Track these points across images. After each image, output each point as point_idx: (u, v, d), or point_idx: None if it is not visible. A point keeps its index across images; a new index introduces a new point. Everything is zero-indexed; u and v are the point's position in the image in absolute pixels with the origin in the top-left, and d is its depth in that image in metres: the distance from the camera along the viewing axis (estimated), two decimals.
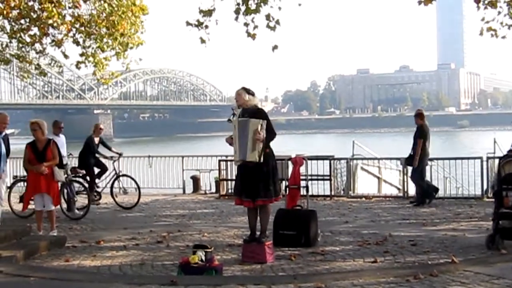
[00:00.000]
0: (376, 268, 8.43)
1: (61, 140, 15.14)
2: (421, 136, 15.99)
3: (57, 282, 7.68)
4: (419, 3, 12.89)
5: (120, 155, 17.73)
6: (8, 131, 12.90)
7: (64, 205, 14.64)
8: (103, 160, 17.59)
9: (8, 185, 17.01)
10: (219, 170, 19.33)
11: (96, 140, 17.44)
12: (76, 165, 16.66)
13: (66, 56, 16.58)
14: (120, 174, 17.47)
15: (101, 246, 10.75)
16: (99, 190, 17.33)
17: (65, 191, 14.40)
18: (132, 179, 17.73)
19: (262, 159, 9.11)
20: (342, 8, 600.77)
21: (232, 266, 8.83)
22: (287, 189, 11.24)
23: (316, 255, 9.51)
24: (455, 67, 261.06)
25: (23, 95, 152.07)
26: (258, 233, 9.40)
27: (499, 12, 14.18)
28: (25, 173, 15.44)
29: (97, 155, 17.30)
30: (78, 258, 9.65)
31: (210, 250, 8.41)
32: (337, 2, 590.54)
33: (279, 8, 13.10)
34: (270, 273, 8.46)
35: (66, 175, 14.24)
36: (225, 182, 19.18)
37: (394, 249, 9.88)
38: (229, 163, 18.75)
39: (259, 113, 9.36)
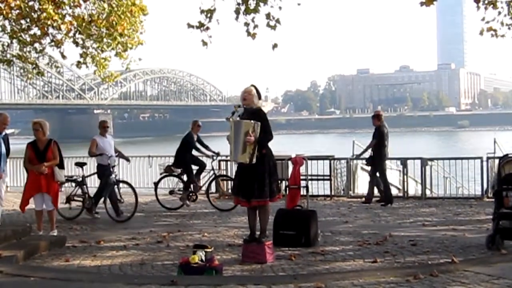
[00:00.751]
0: (376, 268, 8.43)
1: (108, 140, 14.98)
2: (377, 137, 16.41)
3: (57, 282, 7.68)
4: (421, 4, 12.88)
5: (217, 154, 16.81)
6: (8, 131, 12.89)
7: (108, 205, 14.43)
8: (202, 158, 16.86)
9: (8, 184, 17.06)
10: (219, 170, 19.32)
11: (195, 136, 16.62)
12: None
13: (64, 57, 16.59)
14: (219, 174, 17.07)
15: (101, 246, 10.75)
16: (194, 190, 16.49)
17: (107, 193, 14.33)
18: (231, 179, 17.01)
19: (254, 160, 9.06)
20: (342, 8, 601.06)
21: (232, 266, 8.82)
22: (287, 189, 11.24)
23: (316, 255, 9.51)
24: (455, 67, 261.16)
25: (23, 95, 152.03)
26: (258, 233, 9.39)
27: (499, 12, 14.18)
28: (73, 173, 15.66)
29: (196, 152, 16.59)
30: (78, 258, 9.65)
31: (210, 250, 8.41)
32: (337, 2, 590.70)
33: (280, 8, 13.09)
34: (270, 273, 8.46)
35: (113, 176, 14.50)
36: (225, 182, 19.17)
37: (394, 249, 9.88)
38: (229, 163, 18.75)
39: (257, 114, 9.30)
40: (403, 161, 18.35)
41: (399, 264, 8.83)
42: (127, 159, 16.31)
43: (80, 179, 14.95)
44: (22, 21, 15.36)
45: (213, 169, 16.64)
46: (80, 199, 14.80)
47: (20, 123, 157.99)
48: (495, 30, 14.41)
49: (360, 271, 8.17)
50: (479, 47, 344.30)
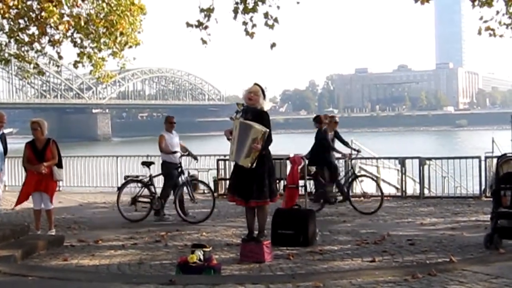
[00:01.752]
0: (374, 268, 8.43)
1: (174, 137, 14.46)
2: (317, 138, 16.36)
3: (55, 281, 7.67)
4: (416, 0, 12.90)
5: (358, 151, 15.77)
6: (6, 131, 12.89)
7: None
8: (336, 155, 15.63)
9: (6, 183, 17.05)
10: (218, 169, 19.35)
11: (330, 134, 15.37)
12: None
13: (60, 57, 16.59)
14: (359, 174, 15.92)
15: (100, 245, 10.75)
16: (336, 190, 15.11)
17: (179, 192, 13.91)
18: (374, 180, 16.34)
19: (254, 164, 9.04)
20: (340, 7, 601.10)
21: (230, 265, 8.83)
22: (285, 188, 11.24)
23: (315, 255, 9.51)
24: (453, 67, 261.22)
25: (21, 94, 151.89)
26: (256, 232, 9.38)
27: (498, 12, 14.19)
28: (137, 173, 15.46)
29: (333, 152, 15.29)
30: (77, 258, 9.65)
31: (208, 249, 8.40)
32: (336, 1, 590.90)
33: (278, 7, 13.11)
34: (268, 272, 8.46)
35: (186, 175, 14.12)
36: (223, 182, 19.17)
37: (393, 248, 9.89)
38: (227, 162, 18.76)
39: (262, 118, 9.24)
40: (401, 161, 18.37)
41: (397, 263, 8.84)
42: (195, 158, 15.02)
43: (147, 179, 14.37)
44: (20, 21, 15.35)
45: (352, 168, 15.49)
46: (147, 200, 14.14)
47: (18, 122, 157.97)
48: (493, 30, 14.42)
49: (358, 271, 8.17)
50: (477, 46, 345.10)
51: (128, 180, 14.74)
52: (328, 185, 14.87)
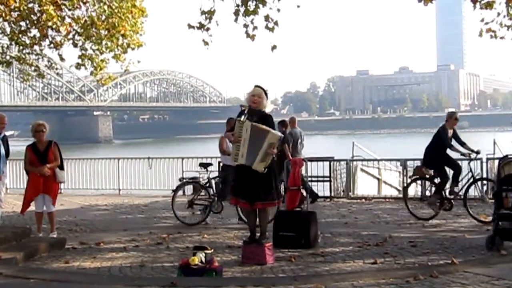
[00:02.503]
0: (376, 269, 8.43)
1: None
2: (285, 142, 16.80)
3: (56, 283, 7.68)
4: (419, 0, 12.91)
5: (477, 153, 14.28)
6: (7, 133, 12.89)
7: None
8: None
9: (8, 186, 17.06)
10: (219, 171, 19.32)
11: (450, 132, 13.98)
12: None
13: (62, 59, 16.60)
14: (478, 177, 14.66)
15: (101, 247, 10.75)
16: (451, 196, 13.89)
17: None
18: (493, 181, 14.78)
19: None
20: (341, 9, 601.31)
21: (232, 268, 8.83)
22: (287, 190, 11.23)
23: (316, 257, 9.51)
24: (454, 68, 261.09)
25: (23, 97, 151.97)
26: (258, 234, 9.38)
27: (499, 13, 14.19)
28: (194, 175, 14.98)
29: (451, 150, 14.08)
30: (78, 260, 9.66)
31: (210, 251, 8.41)
32: (337, 4, 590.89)
33: (278, 10, 13.11)
34: (270, 274, 8.46)
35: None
36: None
37: (394, 250, 9.88)
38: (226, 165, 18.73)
39: (267, 120, 9.26)
40: (403, 162, 18.36)
41: (399, 265, 8.83)
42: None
43: (205, 181, 13.92)
44: (22, 23, 15.37)
45: (470, 170, 14.17)
46: (205, 202, 13.63)
47: (20, 124, 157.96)
48: (494, 31, 14.42)
49: (360, 272, 8.17)
50: (478, 47, 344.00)
51: (184, 182, 14.50)
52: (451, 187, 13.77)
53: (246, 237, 9.69)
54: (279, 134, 9.09)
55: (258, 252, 9.09)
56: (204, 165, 14.27)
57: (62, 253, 10.30)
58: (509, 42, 14.60)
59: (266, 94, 9.40)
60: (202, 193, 13.77)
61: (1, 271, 8.07)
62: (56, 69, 19.52)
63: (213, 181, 13.91)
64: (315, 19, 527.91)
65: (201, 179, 14.10)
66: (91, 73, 17.21)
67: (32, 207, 12.04)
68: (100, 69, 16.50)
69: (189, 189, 15.92)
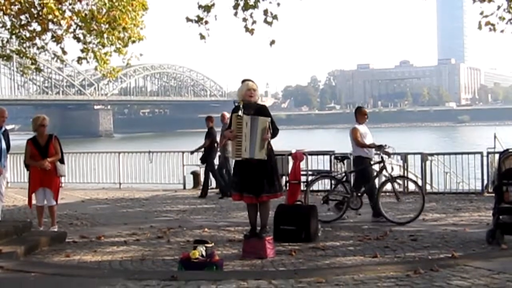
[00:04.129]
0: (376, 263, 8.43)
1: (367, 130, 13.39)
2: (210, 137, 17.92)
3: (58, 277, 7.67)
4: None
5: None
6: (8, 127, 12.88)
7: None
8: None
9: (9, 180, 17.05)
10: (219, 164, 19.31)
11: None
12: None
13: (64, 52, 16.57)
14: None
15: (102, 241, 10.76)
16: None
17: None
18: None
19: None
20: (342, 2, 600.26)
21: (232, 261, 8.84)
22: (288, 184, 11.24)
23: (317, 250, 9.52)
24: (455, 62, 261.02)
25: (23, 90, 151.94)
26: (258, 228, 9.39)
27: (499, 7, 14.18)
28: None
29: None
30: (79, 254, 9.67)
31: (210, 245, 8.41)
32: None
33: (278, 4, 13.10)
34: (271, 268, 8.47)
35: (389, 171, 12.84)
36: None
37: (395, 244, 9.89)
38: (229, 158, 18.73)
39: (264, 110, 9.32)
40: (403, 156, 18.34)
41: (399, 259, 8.84)
42: (388, 154, 13.38)
43: (342, 175, 13.25)
44: (22, 17, 15.34)
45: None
46: (340, 198, 12.82)
47: (20, 118, 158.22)
48: (493, 25, 14.41)
49: (361, 266, 8.16)
50: (479, 41, 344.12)
51: (319, 176, 13.80)
52: None
53: (247, 231, 9.70)
54: (268, 118, 9.12)
55: (258, 246, 9.10)
56: (340, 158, 13.67)
57: (63, 247, 10.30)
58: (510, 35, 14.65)
59: (256, 85, 9.47)
60: (339, 188, 13.01)
61: (1, 265, 8.06)
62: (62, 61, 19.47)
63: (350, 175, 13.18)
64: (315, 12, 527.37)
65: (335, 173, 13.40)
66: (96, 68, 17.19)
67: (33, 200, 12.04)
68: (104, 63, 16.48)
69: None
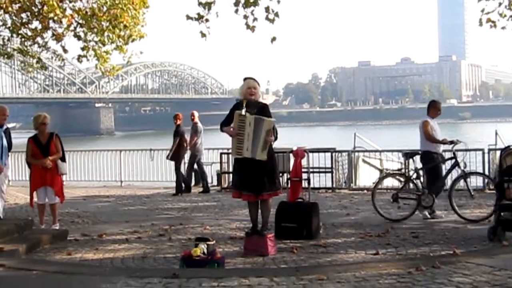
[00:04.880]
0: (378, 260, 8.44)
1: (434, 123, 12.91)
2: (178, 135, 18.05)
3: (59, 275, 7.69)
4: None
5: None
6: (9, 125, 12.88)
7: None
8: None
9: (10, 178, 17.05)
10: (221, 163, 19.35)
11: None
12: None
13: (65, 51, 16.57)
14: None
15: (103, 239, 10.77)
16: None
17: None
18: None
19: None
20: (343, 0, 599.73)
21: (234, 259, 8.84)
22: (289, 181, 11.24)
23: (318, 248, 9.52)
24: (456, 59, 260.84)
25: (24, 89, 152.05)
26: (259, 225, 9.39)
27: (500, 3, 14.18)
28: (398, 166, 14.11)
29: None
30: (81, 252, 9.67)
31: (212, 243, 8.41)
32: None
33: (278, 1, 13.08)
34: (272, 265, 8.47)
35: (462, 166, 12.40)
36: (226, 175, 19.19)
37: (396, 241, 9.89)
38: (230, 156, 18.72)
39: (266, 110, 9.28)
40: (404, 154, 18.29)
41: (401, 256, 8.85)
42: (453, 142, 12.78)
43: (412, 172, 12.84)
44: (23, 15, 15.34)
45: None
46: (412, 196, 12.39)
47: (22, 117, 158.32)
48: (493, 22, 14.40)
49: (362, 263, 8.17)
50: (480, 38, 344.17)
51: (387, 173, 13.33)
52: None
53: (248, 229, 9.70)
54: (273, 119, 9.14)
55: (260, 243, 9.10)
56: (410, 155, 13.20)
57: (64, 245, 10.31)
58: (511, 32, 14.66)
59: (258, 83, 9.45)
60: (409, 186, 12.65)
61: (3, 263, 8.08)
62: (62, 59, 19.48)
63: (421, 172, 12.78)
64: (316, 10, 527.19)
65: (405, 170, 13.00)
66: (96, 66, 17.19)
67: (34, 199, 12.05)
68: (104, 61, 16.47)
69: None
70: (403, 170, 12.94)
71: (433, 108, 13.17)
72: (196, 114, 19.09)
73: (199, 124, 18.78)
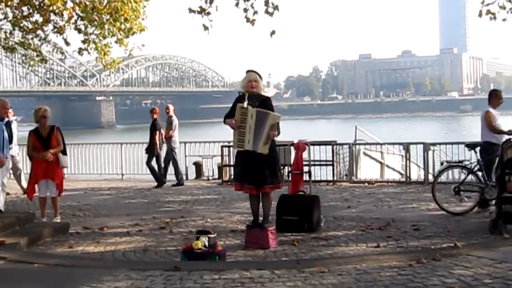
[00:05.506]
0: (379, 253, 8.45)
1: (496, 113, 12.51)
2: (154, 129, 18.28)
3: (61, 268, 7.70)
4: None
5: None
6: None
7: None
8: None
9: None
10: (222, 156, 19.34)
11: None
12: None
13: (67, 43, 16.57)
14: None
15: (104, 232, 10.78)
16: None
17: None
18: None
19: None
20: None
21: (235, 252, 8.85)
22: (290, 174, 11.24)
23: (319, 240, 9.53)
24: (457, 52, 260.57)
25: (25, 82, 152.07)
26: (261, 218, 9.39)
27: None
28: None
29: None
30: (82, 245, 9.68)
31: (213, 235, 8.42)
32: None
33: None
34: (273, 258, 8.48)
35: None
36: (227, 168, 19.19)
37: (397, 234, 9.90)
38: (231, 149, 18.71)
39: (268, 104, 9.29)
40: (406, 146, 18.33)
41: (402, 248, 8.85)
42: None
43: (474, 164, 12.21)
44: (24, 8, 15.33)
45: None
46: (475, 188, 11.97)
47: (23, 110, 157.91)
48: (493, 13, 14.37)
49: (363, 256, 8.18)
50: (481, 31, 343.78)
51: (448, 165, 12.93)
52: None
53: (249, 222, 9.71)
54: (278, 114, 9.15)
55: (261, 236, 9.11)
56: (472, 146, 12.66)
57: (66, 238, 10.32)
58: (511, 24, 14.63)
59: (260, 77, 9.44)
60: (471, 178, 12.17)
61: (5, 256, 8.09)
62: (62, 53, 19.48)
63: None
64: (317, 2, 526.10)
65: (468, 162, 12.52)
66: (97, 59, 17.18)
67: (36, 192, 12.05)
68: (105, 54, 16.46)
69: None
70: (465, 162, 12.42)
71: (494, 97, 12.86)
72: (171, 107, 19.48)
73: (174, 118, 18.95)
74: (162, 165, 18.74)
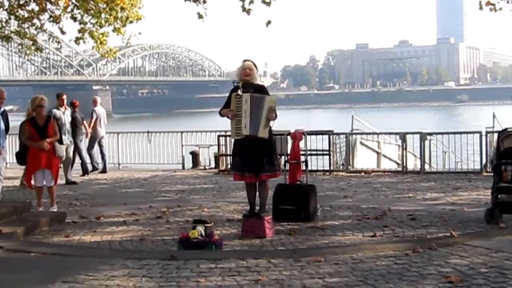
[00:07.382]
0: (375, 242, 8.47)
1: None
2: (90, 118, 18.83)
3: (57, 257, 7.70)
4: None
5: None
6: (7, 108, 12.85)
7: None
8: None
9: (8, 161, 17.02)
10: (218, 145, 19.32)
11: None
12: None
13: (63, 32, 16.53)
14: None
15: (101, 221, 10.77)
16: None
17: None
18: None
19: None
20: None
21: (232, 241, 8.86)
22: (287, 164, 11.25)
23: (316, 230, 9.54)
24: (454, 42, 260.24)
25: (21, 71, 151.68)
26: (257, 208, 9.40)
27: None
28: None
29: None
30: (78, 234, 9.69)
31: (209, 225, 8.43)
32: None
33: None
34: (270, 247, 8.49)
35: None
36: (224, 158, 19.19)
37: (393, 223, 9.91)
38: (228, 138, 18.69)
39: (264, 91, 9.31)
40: (402, 136, 18.36)
41: (398, 238, 8.87)
42: None
43: None
44: None
45: None
46: None
47: (19, 99, 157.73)
48: (493, 5, 14.37)
49: (359, 245, 8.20)
50: (478, 21, 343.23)
51: None
52: None
53: (246, 211, 9.72)
54: (274, 97, 9.16)
55: (257, 226, 9.12)
56: None
57: (63, 227, 10.33)
58: (509, 14, 14.64)
59: (256, 66, 9.42)
60: None
61: (1, 245, 8.09)
62: (58, 42, 19.45)
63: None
64: None
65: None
66: (93, 48, 17.15)
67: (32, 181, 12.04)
68: (101, 43, 16.41)
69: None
70: None
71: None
72: (98, 99, 20.62)
73: (97, 109, 19.78)
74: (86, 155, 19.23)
